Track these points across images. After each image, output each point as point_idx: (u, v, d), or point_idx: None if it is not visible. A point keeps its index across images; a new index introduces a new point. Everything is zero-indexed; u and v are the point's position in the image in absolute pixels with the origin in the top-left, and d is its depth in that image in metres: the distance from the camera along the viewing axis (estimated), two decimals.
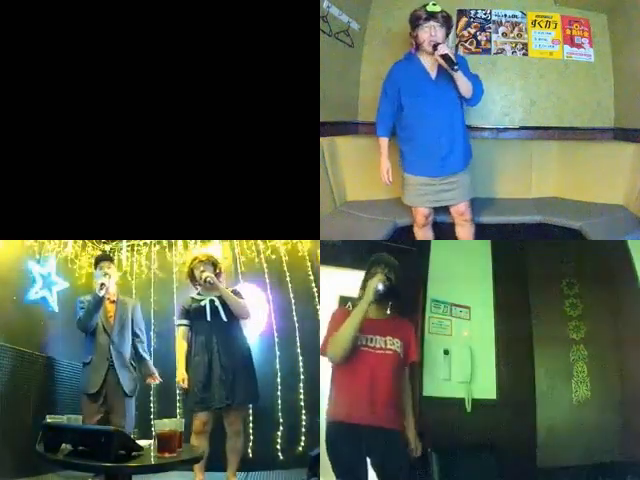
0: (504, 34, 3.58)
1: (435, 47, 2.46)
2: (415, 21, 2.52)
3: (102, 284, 2.82)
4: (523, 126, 3.63)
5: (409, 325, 2.25)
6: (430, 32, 2.48)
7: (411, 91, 2.61)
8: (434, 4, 2.49)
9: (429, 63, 2.58)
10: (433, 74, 2.59)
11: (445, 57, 2.45)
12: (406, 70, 2.63)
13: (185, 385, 2.66)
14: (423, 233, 2.88)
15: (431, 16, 2.48)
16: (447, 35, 2.57)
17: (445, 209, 2.86)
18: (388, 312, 2.19)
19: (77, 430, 1.85)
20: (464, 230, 2.85)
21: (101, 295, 2.81)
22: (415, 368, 2.22)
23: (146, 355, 3.05)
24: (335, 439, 2.02)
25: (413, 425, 2.12)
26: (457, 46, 3.59)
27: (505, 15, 3.58)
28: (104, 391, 2.80)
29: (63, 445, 1.77)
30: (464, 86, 2.53)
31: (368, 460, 2.00)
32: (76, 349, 3.11)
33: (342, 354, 2.01)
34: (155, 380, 3.04)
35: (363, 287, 2.16)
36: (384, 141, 2.72)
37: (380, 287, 2.03)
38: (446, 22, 2.52)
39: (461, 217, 2.81)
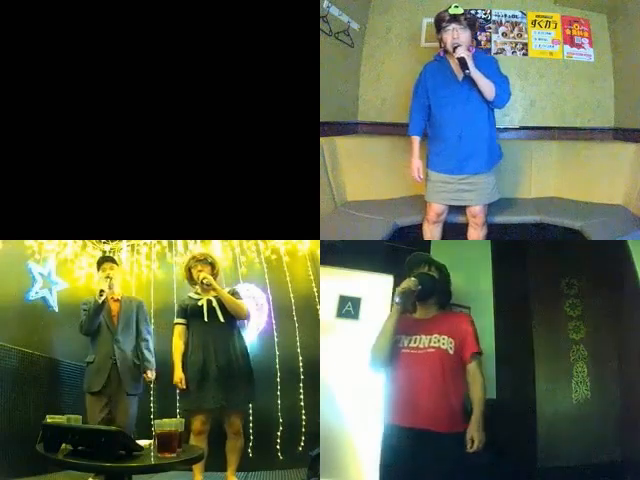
0: (504, 34, 3.58)
1: (454, 50, 2.51)
2: (439, 24, 2.57)
3: (102, 291, 2.82)
4: (523, 126, 3.64)
5: (463, 318, 2.20)
6: (452, 34, 2.52)
7: (438, 92, 2.68)
8: (456, 6, 2.52)
9: (456, 65, 2.61)
10: (460, 76, 2.61)
11: (460, 60, 2.50)
12: (435, 72, 2.70)
13: (183, 386, 2.63)
14: (432, 230, 2.89)
15: (453, 19, 2.51)
16: (473, 36, 2.60)
17: (462, 209, 2.88)
18: (436, 309, 2.19)
19: (77, 430, 1.85)
20: (474, 233, 2.87)
21: (100, 302, 2.82)
22: (480, 359, 2.10)
23: (148, 354, 3.01)
24: (386, 442, 2.01)
25: (478, 419, 1.94)
26: None
27: (505, 15, 3.58)
28: (108, 390, 2.81)
29: (63, 445, 1.77)
30: (485, 88, 2.55)
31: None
32: (76, 349, 3.12)
33: (380, 362, 2.04)
34: (148, 376, 2.96)
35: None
36: (415, 140, 2.78)
37: (397, 299, 2.02)
38: (470, 24, 2.55)
39: (474, 219, 2.84)
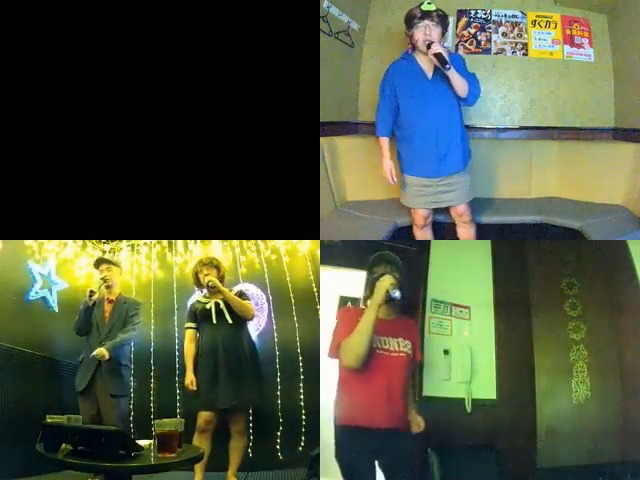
0: (504, 34, 3.58)
1: (429, 46, 2.46)
2: (410, 20, 2.52)
3: (91, 291, 2.82)
4: (523, 126, 3.63)
5: (414, 324, 2.27)
6: (425, 31, 2.48)
7: (407, 91, 2.61)
8: (429, 3, 2.48)
9: (425, 63, 2.58)
10: (429, 74, 2.58)
11: (438, 56, 2.44)
12: (402, 70, 2.64)
13: (193, 387, 2.69)
14: (422, 234, 2.87)
15: (426, 15, 2.47)
16: (443, 34, 2.56)
17: (445, 209, 2.85)
18: (394, 312, 2.18)
19: (77, 430, 1.85)
20: (464, 231, 2.85)
21: (90, 303, 2.81)
22: (419, 367, 2.26)
23: (120, 336, 2.84)
24: (348, 443, 1.99)
25: (414, 407, 2.14)
26: (457, 46, 3.59)
27: (505, 15, 3.58)
28: (93, 390, 2.79)
29: (63, 445, 1.78)
30: (459, 85, 2.51)
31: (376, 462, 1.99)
32: (76, 349, 3.11)
33: (359, 359, 1.97)
34: (100, 354, 2.74)
35: (370, 287, 2.11)
36: (384, 141, 2.72)
37: (397, 294, 1.99)
38: (441, 21, 2.51)
39: (460, 218, 2.81)
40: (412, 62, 2.62)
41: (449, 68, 2.45)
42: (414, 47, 2.57)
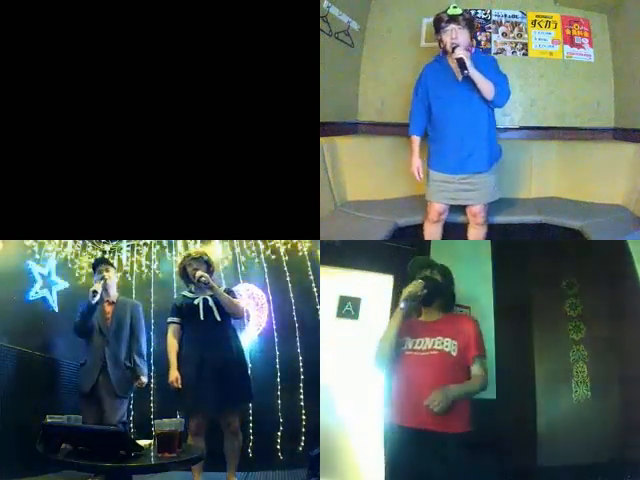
0: (504, 34, 3.58)
1: (454, 50, 2.52)
2: (437, 24, 2.58)
3: (94, 291, 2.80)
4: (523, 126, 3.63)
5: (468, 320, 2.22)
6: (451, 35, 2.53)
7: (438, 92, 2.69)
8: (454, 7, 2.54)
9: (456, 65, 2.61)
10: (460, 76, 2.61)
11: (458, 61, 2.50)
12: (435, 72, 2.71)
13: (178, 385, 2.59)
14: (434, 229, 2.89)
15: (452, 19, 2.53)
16: (472, 36, 2.61)
17: (461, 209, 2.88)
18: (441, 312, 2.20)
19: (77, 430, 1.85)
20: (475, 232, 2.87)
21: (93, 303, 2.79)
22: (483, 361, 2.09)
23: (139, 359, 2.97)
24: (389, 442, 2.03)
25: (449, 389, 1.94)
26: None
27: (505, 15, 3.58)
28: (97, 391, 2.79)
29: (63, 445, 1.78)
30: (484, 88, 2.56)
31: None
32: (76, 349, 3.11)
33: (385, 361, 2.07)
34: (140, 382, 2.93)
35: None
36: (415, 139, 2.79)
37: (402, 305, 2.07)
38: (468, 24, 2.56)
39: (474, 219, 2.84)
40: (444, 64, 2.68)
41: (467, 74, 2.51)
42: (445, 50, 2.62)
